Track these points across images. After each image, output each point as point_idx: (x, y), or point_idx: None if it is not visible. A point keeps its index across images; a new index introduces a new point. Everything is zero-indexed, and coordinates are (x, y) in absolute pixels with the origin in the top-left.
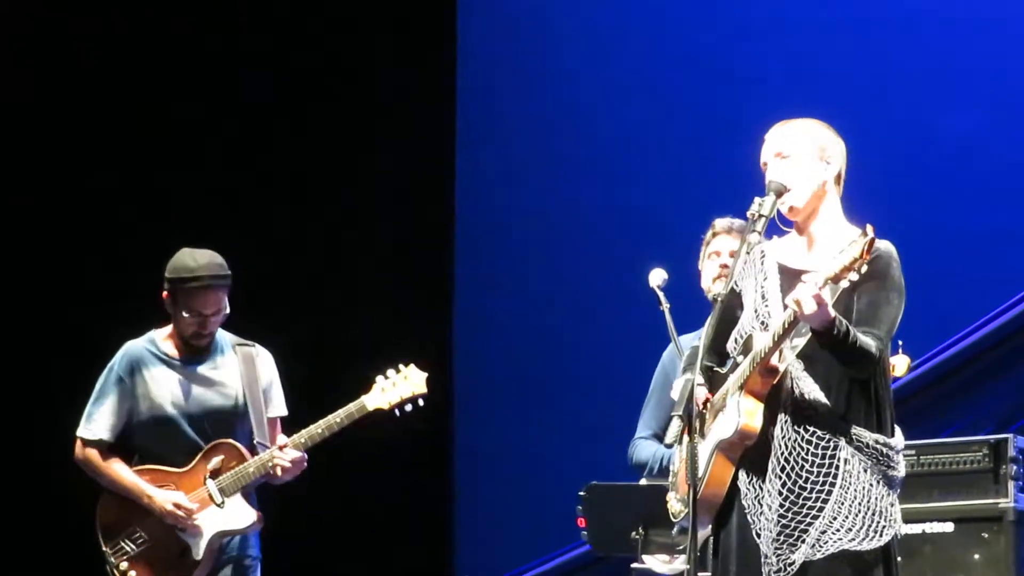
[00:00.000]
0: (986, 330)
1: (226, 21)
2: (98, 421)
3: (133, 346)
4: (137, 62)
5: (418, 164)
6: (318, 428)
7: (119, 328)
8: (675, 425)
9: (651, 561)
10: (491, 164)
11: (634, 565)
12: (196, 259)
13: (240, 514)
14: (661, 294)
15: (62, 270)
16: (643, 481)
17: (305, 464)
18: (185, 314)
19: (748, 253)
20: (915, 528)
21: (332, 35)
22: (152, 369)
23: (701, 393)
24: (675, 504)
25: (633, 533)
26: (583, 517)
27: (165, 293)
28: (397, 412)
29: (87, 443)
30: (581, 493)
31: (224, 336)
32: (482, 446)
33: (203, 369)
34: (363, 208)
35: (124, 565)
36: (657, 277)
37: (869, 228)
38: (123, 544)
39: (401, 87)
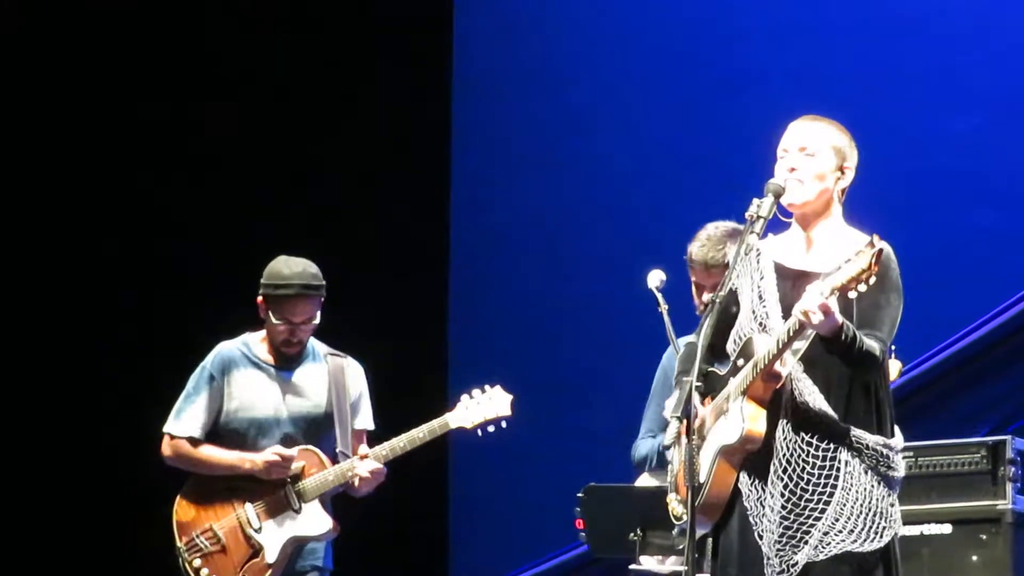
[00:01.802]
0: (984, 331)
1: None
2: (187, 419)
3: (226, 347)
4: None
5: (414, 165)
6: (400, 441)
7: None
8: (673, 427)
9: (649, 562)
10: (487, 165)
11: (632, 567)
12: (290, 267)
13: (316, 521)
14: (659, 295)
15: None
16: (643, 475)
17: (384, 476)
18: (276, 321)
19: (747, 255)
20: (913, 530)
21: (329, 36)
22: (243, 371)
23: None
24: (677, 507)
25: (631, 534)
26: (581, 518)
27: (259, 299)
28: (479, 432)
29: (175, 438)
30: (579, 494)
31: (317, 345)
32: (479, 446)
33: (293, 376)
34: (360, 209)
35: (197, 562)
36: (655, 278)
37: (875, 238)
38: (198, 541)
39: (398, 87)
